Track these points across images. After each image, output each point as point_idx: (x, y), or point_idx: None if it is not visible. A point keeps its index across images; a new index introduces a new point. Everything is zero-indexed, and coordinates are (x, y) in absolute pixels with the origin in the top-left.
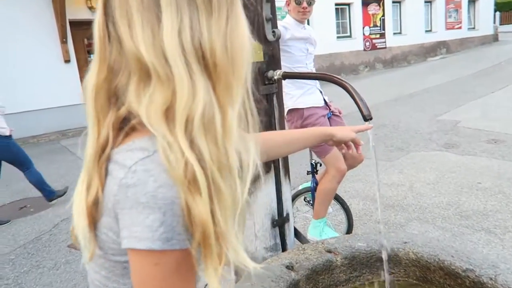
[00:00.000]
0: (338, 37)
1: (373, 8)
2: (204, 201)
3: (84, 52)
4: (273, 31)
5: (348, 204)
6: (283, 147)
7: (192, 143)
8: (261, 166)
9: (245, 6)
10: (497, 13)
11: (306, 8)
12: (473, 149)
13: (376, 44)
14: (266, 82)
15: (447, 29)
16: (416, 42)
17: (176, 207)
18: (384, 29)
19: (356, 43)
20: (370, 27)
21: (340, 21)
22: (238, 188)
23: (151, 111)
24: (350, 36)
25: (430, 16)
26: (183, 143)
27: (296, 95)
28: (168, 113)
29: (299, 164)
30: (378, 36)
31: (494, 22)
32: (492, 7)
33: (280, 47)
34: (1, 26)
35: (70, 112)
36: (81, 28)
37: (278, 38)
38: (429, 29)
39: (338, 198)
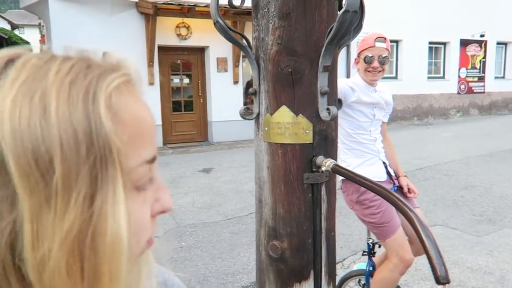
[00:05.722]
0: (429, 78)
1: (472, 49)
2: None
3: (168, 76)
4: (328, 109)
5: None
6: None
7: None
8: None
9: (292, 73)
10: None
11: (377, 67)
12: None
13: (473, 88)
14: (314, 169)
15: None
16: None
17: None
18: (484, 72)
19: (449, 85)
20: (467, 69)
21: (433, 60)
22: None
23: None
24: (443, 77)
25: None
26: None
27: (353, 164)
28: None
29: (356, 239)
30: (476, 79)
31: None
32: None
33: (343, 108)
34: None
35: None
36: (168, 53)
37: (334, 118)
38: None
39: None
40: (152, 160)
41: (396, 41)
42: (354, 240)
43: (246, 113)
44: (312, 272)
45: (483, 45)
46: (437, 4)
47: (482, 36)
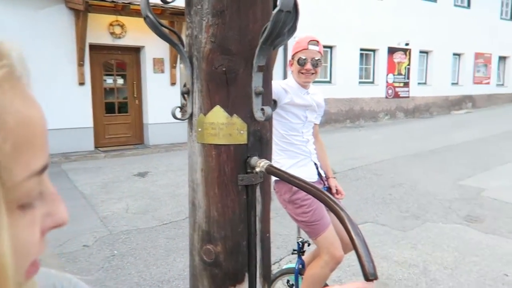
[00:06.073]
0: (360, 82)
1: (399, 56)
2: None
3: (100, 76)
4: (262, 109)
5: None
6: None
7: None
8: None
9: (226, 73)
10: None
11: (310, 69)
12: (499, 227)
13: (399, 93)
14: (248, 171)
15: (475, 83)
16: (441, 94)
17: None
18: (408, 78)
19: (378, 90)
20: (394, 75)
21: (364, 66)
22: None
23: None
24: (372, 82)
25: (458, 69)
26: None
27: (286, 165)
28: None
29: (293, 239)
30: (401, 84)
31: None
32: None
33: (276, 109)
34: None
35: (77, 135)
36: (101, 52)
37: (268, 118)
38: (456, 82)
39: None
40: (42, 170)
41: (330, 47)
42: (291, 240)
43: (178, 113)
44: (247, 275)
45: (407, 53)
46: (367, 14)
47: (407, 44)
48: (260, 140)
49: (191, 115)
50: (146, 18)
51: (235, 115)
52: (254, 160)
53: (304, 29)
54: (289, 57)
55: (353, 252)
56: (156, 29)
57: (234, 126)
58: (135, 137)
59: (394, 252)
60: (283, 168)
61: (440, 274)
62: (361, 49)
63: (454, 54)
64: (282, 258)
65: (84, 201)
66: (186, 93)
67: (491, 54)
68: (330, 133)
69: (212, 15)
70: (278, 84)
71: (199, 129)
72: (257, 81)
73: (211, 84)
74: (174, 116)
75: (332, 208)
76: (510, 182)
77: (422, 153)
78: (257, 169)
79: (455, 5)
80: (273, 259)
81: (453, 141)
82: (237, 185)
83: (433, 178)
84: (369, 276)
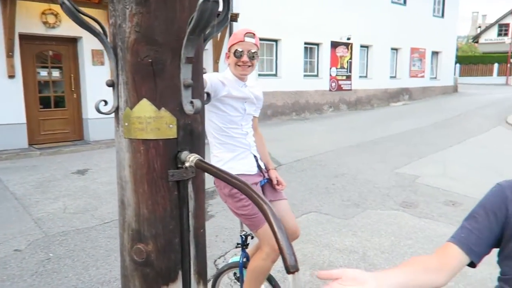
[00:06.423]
0: (305, 75)
1: (341, 50)
2: None
3: (33, 68)
4: (191, 102)
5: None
6: None
7: None
8: None
9: (152, 64)
10: (458, 65)
11: (247, 62)
12: (431, 211)
13: (342, 86)
14: (179, 166)
15: (411, 76)
16: (380, 86)
17: None
18: (350, 72)
19: (322, 83)
20: (337, 68)
21: (308, 60)
22: None
23: None
24: (317, 76)
25: (395, 63)
26: None
27: (225, 159)
28: None
29: (233, 232)
30: (344, 77)
31: (455, 74)
32: (453, 59)
33: (214, 102)
34: None
35: (7, 131)
36: (33, 42)
37: (198, 111)
38: (394, 75)
39: (270, 279)
40: None
41: (276, 41)
42: (236, 233)
43: (103, 107)
44: (180, 273)
45: (349, 47)
46: (311, 9)
47: (348, 39)
48: (191, 134)
49: (117, 109)
50: (62, 5)
51: (163, 108)
52: (184, 154)
53: (250, 23)
54: None
55: (295, 242)
56: (74, 16)
57: (163, 120)
58: (74, 133)
59: (336, 240)
60: (222, 162)
61: (378, 258)
62: (306, 43)
63: (392, 49)
64: (227, 252)
65: (15, 202)
66: (111, 85)
67: (425, 49)
68: (277, 125)
69: (136, 3)
70: (215, 77)
71: (126, 124)
72: (185, 73)
73: (137, 76)
74: (98, 110)
75: (256, 202)
76: (441, 169)
77: (364, 143)
78: (187, 164)
79: (392, 2)
80: (218, 253)
81: (391, 131)
82: (167, 181)
83: (373, 167)
84: (290, 268)
